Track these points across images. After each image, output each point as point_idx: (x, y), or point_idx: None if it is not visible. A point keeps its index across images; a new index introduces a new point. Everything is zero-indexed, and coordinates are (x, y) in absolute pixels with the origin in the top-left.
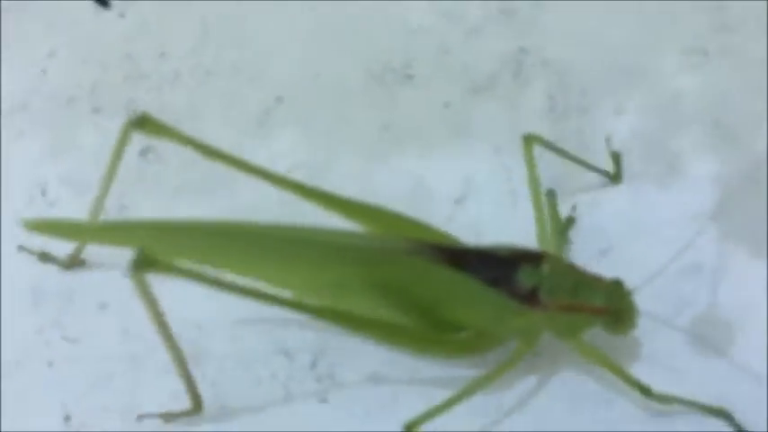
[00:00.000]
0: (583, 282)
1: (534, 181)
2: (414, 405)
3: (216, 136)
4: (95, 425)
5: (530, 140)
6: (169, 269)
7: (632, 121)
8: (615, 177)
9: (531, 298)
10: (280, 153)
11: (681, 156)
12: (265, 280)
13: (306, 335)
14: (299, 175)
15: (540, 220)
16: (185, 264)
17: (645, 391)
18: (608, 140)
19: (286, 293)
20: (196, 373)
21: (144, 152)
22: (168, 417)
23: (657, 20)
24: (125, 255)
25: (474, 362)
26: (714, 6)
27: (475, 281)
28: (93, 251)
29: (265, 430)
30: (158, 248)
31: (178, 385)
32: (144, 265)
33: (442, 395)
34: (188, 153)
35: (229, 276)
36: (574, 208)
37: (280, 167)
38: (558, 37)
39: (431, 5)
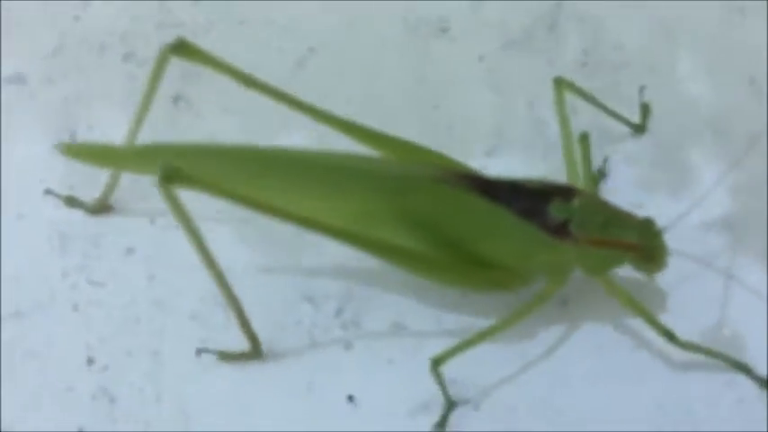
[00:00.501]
0: (614, 217)
1: (565, 122)
2: (437, 352)
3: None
4: (119, 368)
5: (560, 84)
6: (196, 183)
7: (665, 81)
8: (639, 128)
9: (561, 231)
10: (311, 104)
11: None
12: (295, 208)
13: (331, 283)
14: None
15: (570, 162)
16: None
17: (669, 335)
18: (641, 91)
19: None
20: (223, 320)
21: (176, 100)
22: (225, 356)
23: None
24: (154, 200)
25: (499, 307)
26: None
27: (506, 212)
28: (120, 197)
29: (289, 377)
30: (190, 172)
31: (204, 332)
32: (172, 178)
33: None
34: (221, 101)
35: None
36: (605, 160)
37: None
38: None
39: None
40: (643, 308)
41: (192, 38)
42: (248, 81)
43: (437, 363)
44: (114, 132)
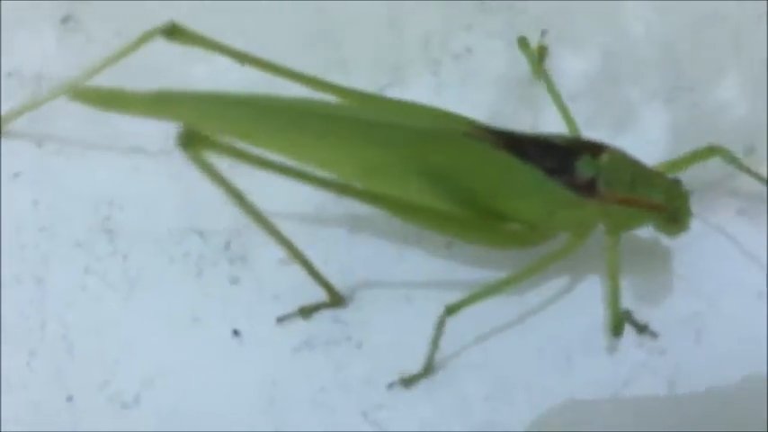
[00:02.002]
0: (642, 176)
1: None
2: (320, 290)
3: (145, 10)
4: (4, 295)
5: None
6: (215, 147)
7: (563, 22)
8: (537, 74)
9: (589, 189)
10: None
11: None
12: (314, 161)
13: (221, 216)
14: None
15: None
16: (231, 142)
17: (617, 330)
18: (543, 34)
19: (332, 176)
20: (109, 248)
21: (65, 20)
22: (306, 310)
23: None
24: (43, 124)
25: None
26: None
27: (534, 169)
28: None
29: (174, 308)
30: (204, 123)
31: (89, 260)
32: (191, 143)
33: (360, 278)
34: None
35: (275, 158)
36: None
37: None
38: None
39: None
40: (618, 288)
41: None
42: (244, 58)
43: (451, 309)
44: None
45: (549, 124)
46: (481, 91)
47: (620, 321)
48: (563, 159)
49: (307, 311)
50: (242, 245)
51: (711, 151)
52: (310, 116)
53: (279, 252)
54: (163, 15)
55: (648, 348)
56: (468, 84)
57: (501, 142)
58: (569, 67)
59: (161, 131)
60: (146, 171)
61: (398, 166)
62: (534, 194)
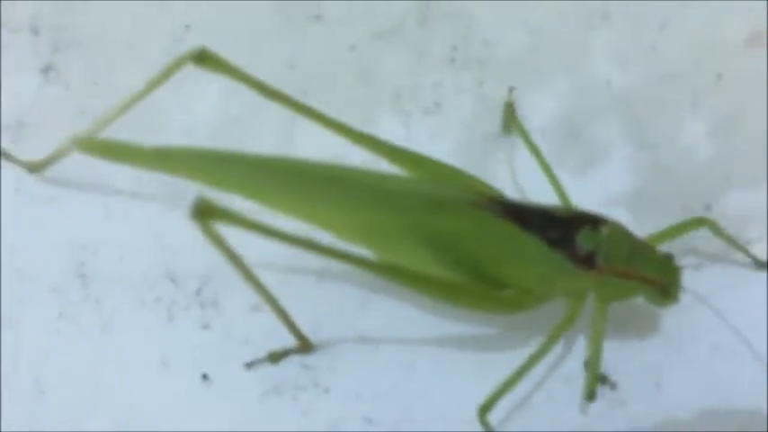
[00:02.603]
0: (639, 250)
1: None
2: (290, 337)
3: (122, 60)
4: None
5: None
6: (228, 218)
7: (529, 79)
8: (506, 130)
9: (588, 261)
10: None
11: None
12: (319, 223)
13: (193, 262)
14: (204, 105)
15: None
16: (243, 213)
17: (591, 396)
18: (511, 90)
19: (338, 244)
20: (83, 293)
21: (46, 70)
22: (275, 357)
23: None
24: (19, 169)
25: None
26: None
27: (537, 240)
28: None
29: (145, 352)
30: (207, 180)
31: (63, 305)
32: (205, 214)
33: (328, 325)
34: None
35: (282, 222)
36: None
37: (184, 94)
38: None
39: None
40: (600, 353)
41: (66, 8)
42: (266, 91)
43: (485, 410)
44: None
45: (520, 173)
46: (450, 144)
47: (595, 388)
48: (564, 231)
49: (276, 357)
50: (213, 291)
51: (700, 222)
52: (314, 178)
53: (249, 298)
54: (136, 67)
55: (609, 399)
56: (438, 137)
57: (504, 211)
58: (533, 118)
59: (135, 178)
60: (120, 217)
61: (402, 231)
62: (535, 264)
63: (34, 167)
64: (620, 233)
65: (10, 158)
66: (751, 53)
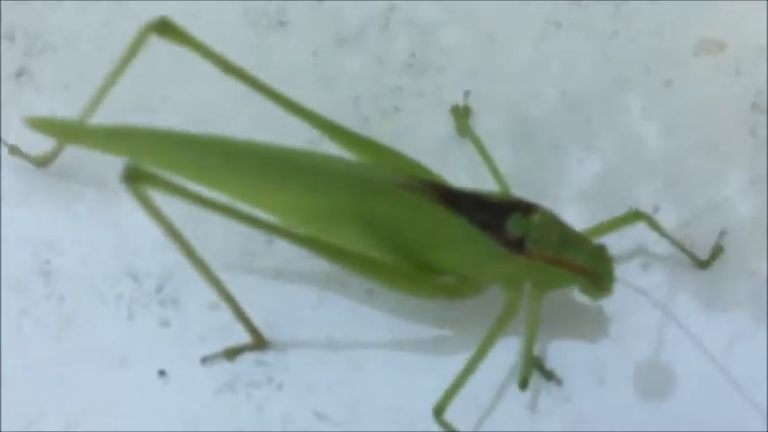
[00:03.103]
0: (570, 239)
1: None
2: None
3: (93, 64)
4: None
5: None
6: (157, 183)
7: (485, 84)
8: (461, 130)
9: (518, 246)
10: (151, 84)
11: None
12: (254, 203)
13: (155, 261)
14: (169, 106)
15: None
16: (174, 179)
17: (524, 384)
18: (466, 95)
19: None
20: (46, 291)
21: (18, 74)
22: (230, 353)
23: None
24: None
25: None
26: None
27: (466, 223)
28: None
29: (104, 349)
30: (156, 159)
31: (25, 303)
32: (134, 178)
33: (282, 323)
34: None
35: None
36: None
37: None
38: None
39: None
40: (533, 342)
41: (38, 14)
42: (227, 67)
43: (440, 411)
44: None
45: (477, 175)
46: (408, 146)
47: (528, 376)
48: (495, 216)
49: (231, 353)
50: (173, 289)
51: (636, 216)
52: (257, 159)
53: (208, 296)
54: (106, 70)
55: (554, 395)
56: (396, 140)
57: (436, 195)
58: (489, 121)
59: (100, 179)
60: (85, 217)
61: (336, 213)
62: (465, 247)
63: (42, 162)
64: (552, 221)
65: (18, 154)
66: (699, 61)
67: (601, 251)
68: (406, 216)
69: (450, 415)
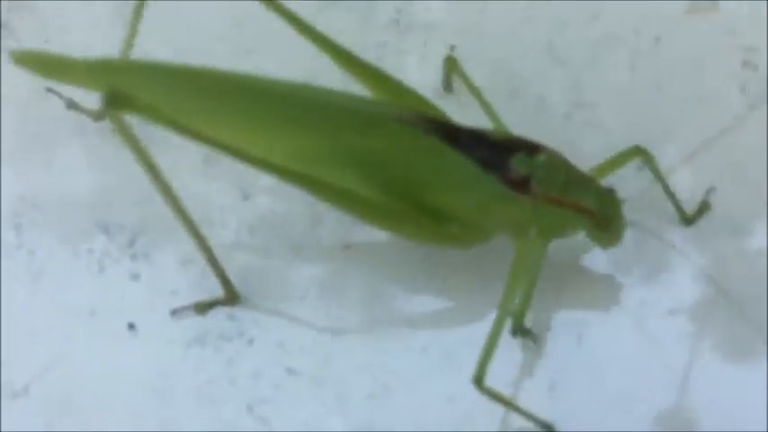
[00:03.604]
0: (576, 179)
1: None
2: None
3: (73, 20)
4: None
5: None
6: (141, 110)
7: (472, 42)
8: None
9: (522, 185)
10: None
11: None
12: (245, 141)
13: (128, 214)
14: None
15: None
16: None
17: (515, 329)
18: (452, 49)
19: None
20: (15, 241)
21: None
22: (201, 306)
23: None
24: None
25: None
26: None
27: (467, 160)
28: None
29: (74, 302)
30: (141, 92)
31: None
32: (116, 103)
33: (255, 278)
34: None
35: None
36: None
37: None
38: None
39: None
40: (532, 292)
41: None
42: None
43: (479, 380)
44: None
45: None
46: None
47: (521, 324)
48: (498, 154)
49: (202, 308)
50: (145, 243)
51: (637, 151)
52: (247, 94)
53: (181, 251)
54: (85, 26)
55: (532, 351)
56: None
57: (436, 131)
58: (475, 76)
59: (78, 130)
60: (59, 169)
61: (332, 150)
62: (467, 187)
63: (98, 116)
64: (558, 161)
65: (76, 107)
66: (688, 19)
67: (609, 193)
68: (405, 153)
69: (422, 370)
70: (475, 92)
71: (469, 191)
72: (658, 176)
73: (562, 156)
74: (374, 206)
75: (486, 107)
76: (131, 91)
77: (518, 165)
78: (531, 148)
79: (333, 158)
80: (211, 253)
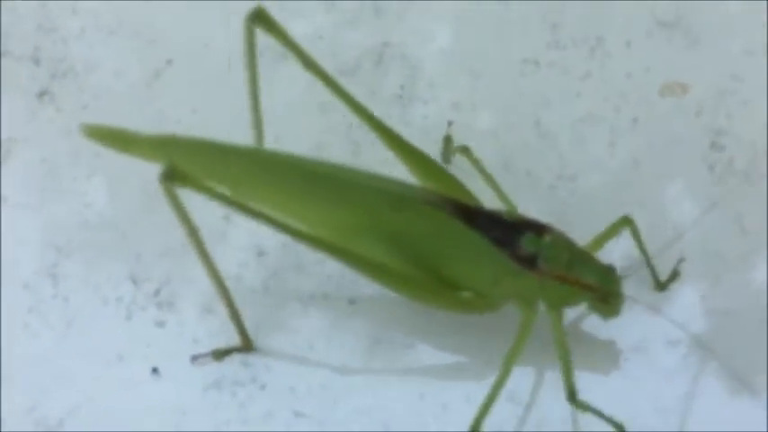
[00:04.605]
0: (579, 258)
1: None
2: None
3: (110, 88)
4: None
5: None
6: (196, 185)
7: (467, 116)
8: (445, 160)
9: (530, 262)
10: (164, 107)
11: None
12: (285, 212)
13: (155, 266)
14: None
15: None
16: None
17: (572, 395)
18: (449, 124)
19: (302, 227)
20: (51, 291)
21: (41, 95)
22: (219, 354)
23: (504, 30)
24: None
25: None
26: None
27: (481, 238)
28: None
29: (103, 347)
30: (197, 167)
31: (33, 302)
32: (173, 178)
33: (268, 328)
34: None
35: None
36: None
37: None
38: (417, 36)
39: None
40: (568, 358)
41: (63, 42)
42: (312, 66)
43: (475, 427)
44: None
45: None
46: (395, 169)
47: (573, 389)
48: (509, 233)
49: (219, 354)
50: (170, 293)
51: (626, 221)
52: (289, 171)
53: (202, 301)
54: (121, 94)
55: (518, 401)
56: (385, 164)
57: (456, 211)
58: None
59: (109, 188)
60: (93, 224)
61: (361, 225)
62: (481, 262)
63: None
64: (562, 240)
65: None
66: (662, 101)
67: (610, 271)
68: (430, 231)
69: (419, 416)
70: (479, 167)
71: (484, 266)
72: (640, 244)
73: (566, 236)
74: (399, 276)
75: (490, 180)
76: (187, 165)
77: (527, 244)
78: (538, 229)
79: (367, 233)
80: (233, 305)
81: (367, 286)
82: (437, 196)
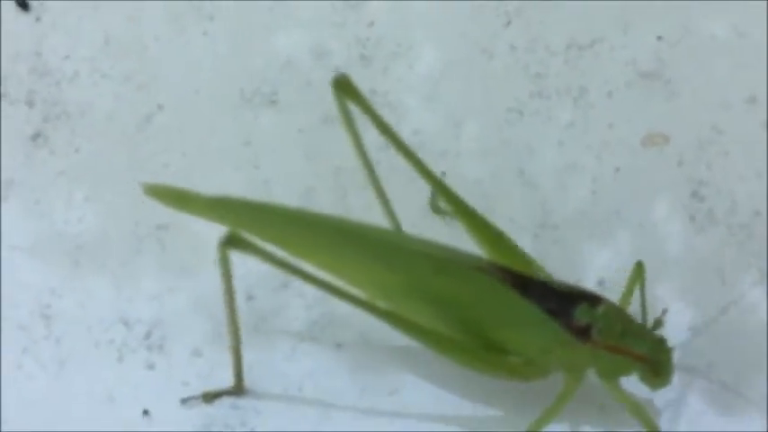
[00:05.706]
0: (632, 329)
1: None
2: (227, 378)
3: (102, 131)
4: None
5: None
6: (253, 251)
7: (452, 164)
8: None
9: (583, 333)
10: (154, 151)
11: None
12: (337, 274)
13: (145, 308)
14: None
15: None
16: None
17: None
18: (443, 174)
19: (353, 290)
20: (44, 332)
21: (35, 137)
22: (209, 397)
23: (488, 79)
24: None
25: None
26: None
27: (536, 308)
28: None
29: (95, 389)
30: (251, 228)
31: (29, 342)
32: (232, 243)
33: (258, 371)
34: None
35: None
36: None
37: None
38: (403, 84)
39: (303, 44)
40: (647, 416)
41: (56, 85)
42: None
43: None
44: None
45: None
46: (382, 218)
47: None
48: (563, 304)
49: (209, 397)
50: (161, 336)
51: (640, 267)
52: (343, 235)
53: (193, 344)
54: (113, 137)
55: None
56: (371, 211)
57: (509, 279)
58: None
59: (101, 232)
60: (86, 266)
61: (413, 290)
62: (534, 331)
63: None
64: (616, 312)
65: None
66: (644, 151)
67: (661, 342)
68: (480, 297)
69: None
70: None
71: (536, 335)
72: (642, 290)
73: (619, 307)
74: (447, 340)
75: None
76: (240, 223)
77: (581, 315)
78: (592, 300)
79: (414, 296)
80: (239, 352)
81: (352, 331)
82: (488, 263)
